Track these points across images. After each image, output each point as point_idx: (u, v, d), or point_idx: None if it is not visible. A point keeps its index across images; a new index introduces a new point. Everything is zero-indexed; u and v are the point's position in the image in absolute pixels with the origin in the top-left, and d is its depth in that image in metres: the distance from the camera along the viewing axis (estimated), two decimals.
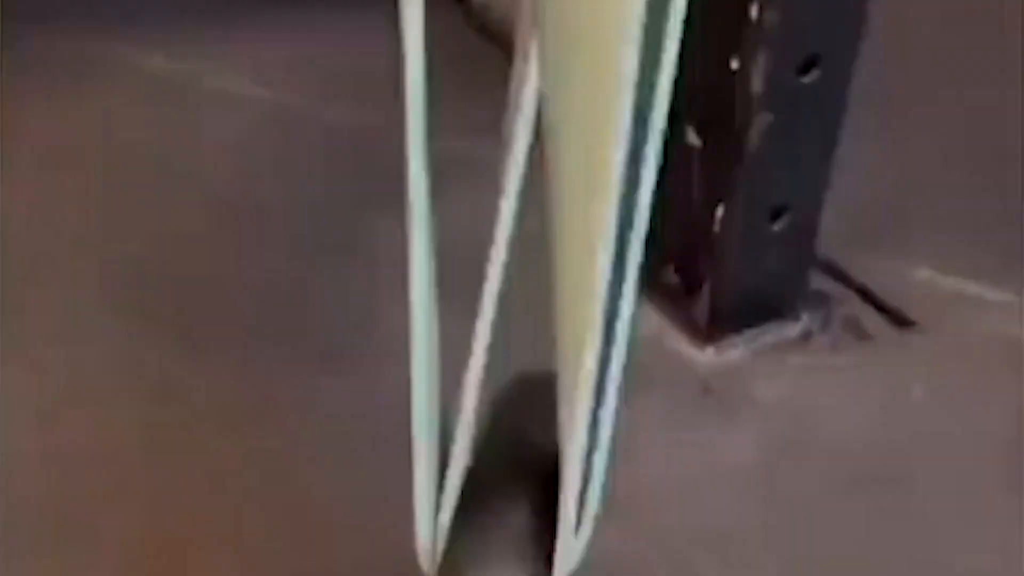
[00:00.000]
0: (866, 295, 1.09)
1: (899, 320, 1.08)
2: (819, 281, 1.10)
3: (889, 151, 1.17)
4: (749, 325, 1.06)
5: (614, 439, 0.65)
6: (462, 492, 0.66)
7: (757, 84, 0.93)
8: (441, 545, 0.67)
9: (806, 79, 0.94)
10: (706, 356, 1.06)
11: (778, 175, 0.99)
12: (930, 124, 1.21)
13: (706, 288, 1.04)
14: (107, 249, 1.11)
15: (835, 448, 1.01)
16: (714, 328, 1.05)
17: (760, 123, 0.95)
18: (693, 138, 0.99)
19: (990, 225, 1.13)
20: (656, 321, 1.08)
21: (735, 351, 1.06)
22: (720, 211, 0.99)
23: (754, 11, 0.91)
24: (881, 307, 1.08)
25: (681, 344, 1.06)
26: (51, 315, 1.06)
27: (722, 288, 1.03)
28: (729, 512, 0.98)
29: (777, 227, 1.01)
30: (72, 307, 1.06)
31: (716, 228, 1.00)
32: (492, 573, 0.66)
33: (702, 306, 1.05)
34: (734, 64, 0.93)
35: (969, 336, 1.07)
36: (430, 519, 0.67)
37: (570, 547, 0.66)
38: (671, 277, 1.06)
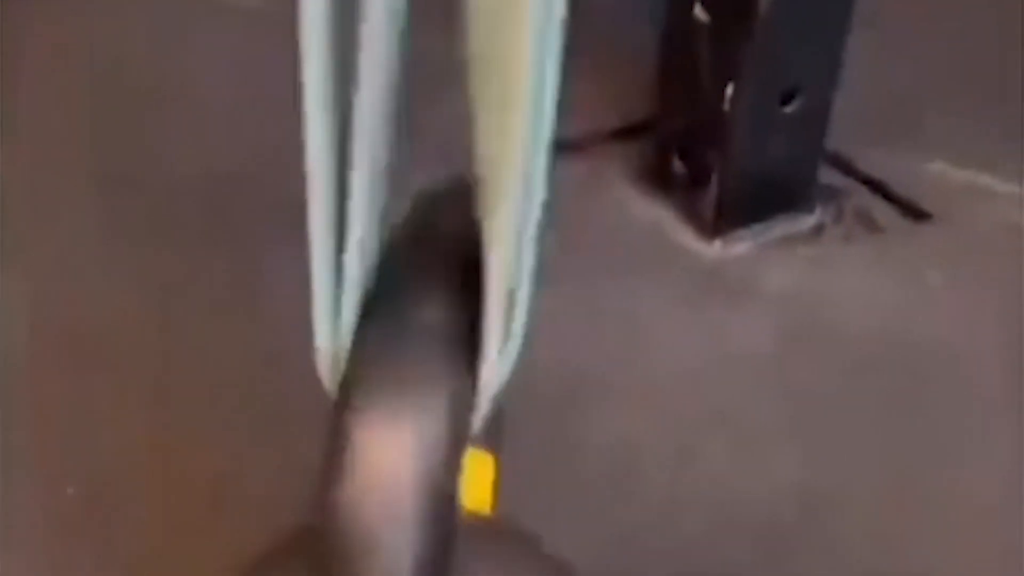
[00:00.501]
0: (878, 187, 1.06)
1: (912, 212, 1.05)
2: (830, 176, 1.07)
3: (899, 44, 1.14)
4: (758, 219, 1.03)
5: (542, 242, 0.56)
6: (369, 288, 0.56)
7: None
8: (344, 351, 0.56)
9: None
10: (713, 249, 1.03)
11: (789, 52, 0.97)
12: (941, 16, 1.18)
13: (714, 179, 1.01)
14: (103, 162, 1.09)
15: (846, 335, 0.98)
16: (721, 221, 1.03)
17: None
18: (701, 14, 0.97)
19: (1002, 117, 1.11)
20: (661, 214, 1.05)
21: (743, 244, 1.03)
22: (729, 92, 0.97)
23: None
24: (893, 199, 1.06)
25: (687, 238, 1.04)
26: (48, 229, 1.04)
27: (731, 176, 1.01)
28: (739, 398, 0.95)
29: (789, 110, 0.99)
30: (68, 220, 1.05)
31: (726, 107, 0.97)
32: (406, 389, 0.55)
33: (709, 198, 1.02)
34: None
35: (981, 227, 1.05)
36: (329, 319, 0.56)
37: (496, 362, 0.56)
38: (677, 167, 1.04)
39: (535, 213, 0.54)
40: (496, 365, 0.55)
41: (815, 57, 0.98)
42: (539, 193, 0.54)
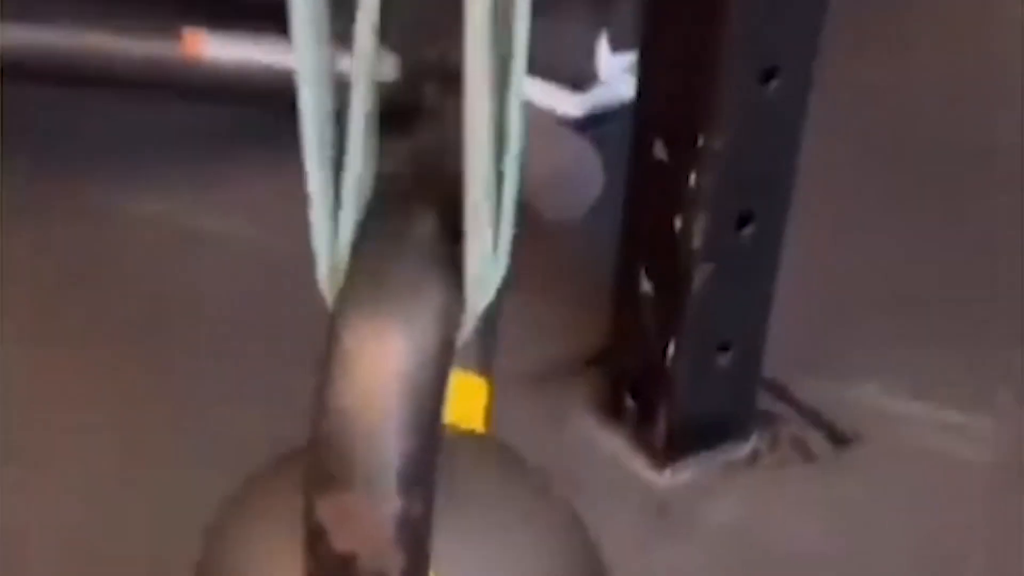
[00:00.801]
0: (809, 414, 1.18)
1: (841, 439, 1.17)
2: (767, 401, 1.19)
3: (825, 279, 1.26)
4: (704, 447, 1.15)
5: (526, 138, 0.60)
6: (366, 208, 0.60)
7: (697, 240, 1.03)
8: (342, 264, 0.60)
9: (742, 234, 1.04)
10: (664, 478, 1.15)
11: (722, 316, 1.09)
12: (861, 253, 1.30)
13: (661, 416, 1.13)
14: (102, 389, 1.18)
15: (783, 561, 1.10)
16: (670, 451, 1.15)
17: (702, 273, 1.05)
18: (646, 285, 1.09)
19: (926, 345, 1.23)
20: (616, 443, 1.17)
21: (690, 472, 1.15)
22: (671, 349, 1.09)
23: (692, 179, 1.01)
24: (824, 426, 1.18)
25: (640, 466, 1.16)
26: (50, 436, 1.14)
27: (676, 416, 1.13)
28: None
29: (723, 361, 1.11)
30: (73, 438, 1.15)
31: (668, 364, 1.10)
32: (395, 300, 0.59)
33: (659, 431, 1.14)
34: (677, 224, 1.03)
35: (907, 452, 1.17)
36: (328, 236, 0.60)
37: (485, 270, 0.61)
38: (628, 403, 1.16)
39: (515, 131, 0.59)
40: (481, 276, 0.61)
41: (745, 315, 1.10)
42: (516, 112, 0.59)
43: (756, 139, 0.99)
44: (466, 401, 0.76)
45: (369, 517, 0.59)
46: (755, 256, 1.06)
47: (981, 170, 1.37)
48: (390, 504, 0.59)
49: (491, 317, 0.72)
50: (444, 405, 0.61)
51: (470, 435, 0.74)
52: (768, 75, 0.96)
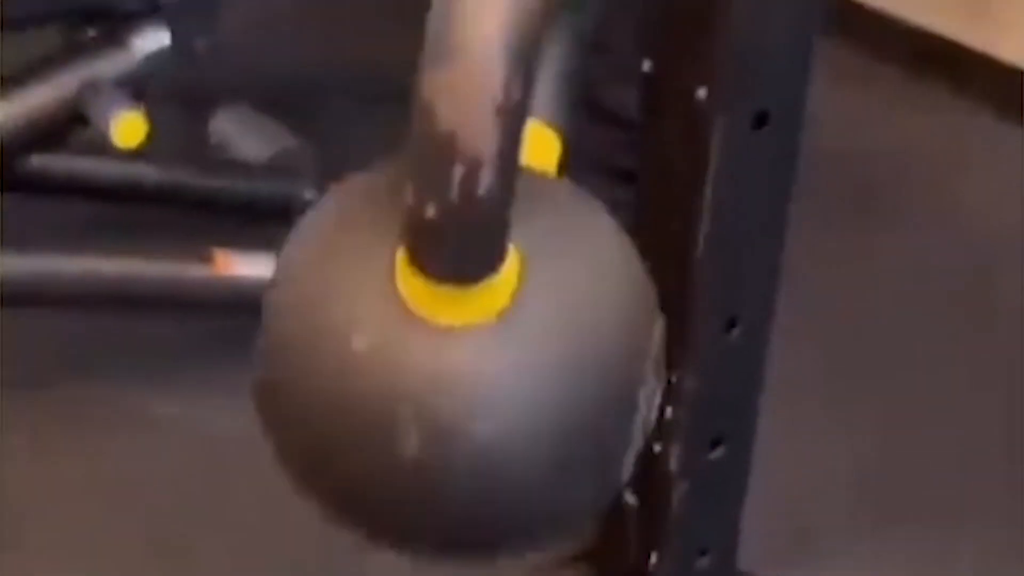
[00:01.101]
0: None
1: None
2: None
3: (798, 474, 1.37)
4: None
5: None
6: None
7: (674, 464, 1.14)
8: None
9: (714, 455, 1.15)
10: None
11: (699, 525, 1.20)
12: (836, 449, 1.41)
13: None
14: None
15: None
16: None
17: (680, 490, 1.16)
18: (630, 498, 1.20)
19: (894, 538, 1.33)
20: None
21: None
22: (654, 557, 1.20)
23: (668, 411, 1.12)
24: None
25: None
26: None
27: None
28: None
29: (702, 563, 1.22)
30: None
31: (651, 569, 1.20)
32: None
33: None
34: (656, 448, 1.14)
35: None
36: None
37: None
38: None
39: None
40: None
41: (719, 526, 1.22)
42: None
43: (723, 378, 1.11)
44: (540, 154, 0.79)
45: (474, 92, 0.64)
46: (726, 472, 1.18)
47: (940, 378, 1.49)
48: (493, 82, 0.64)
49: (572, 73, 0.78)
50: (547, 20, 0.66)
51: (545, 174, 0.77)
52: (731, 324, 1.07)
